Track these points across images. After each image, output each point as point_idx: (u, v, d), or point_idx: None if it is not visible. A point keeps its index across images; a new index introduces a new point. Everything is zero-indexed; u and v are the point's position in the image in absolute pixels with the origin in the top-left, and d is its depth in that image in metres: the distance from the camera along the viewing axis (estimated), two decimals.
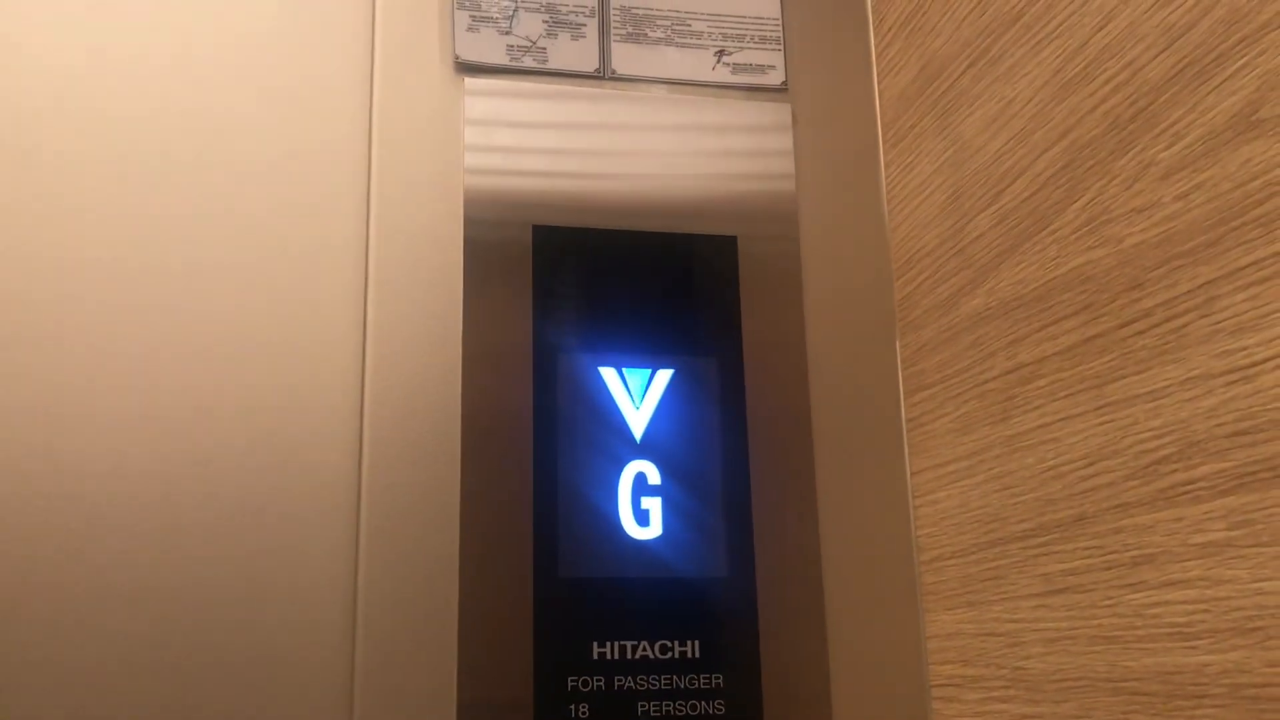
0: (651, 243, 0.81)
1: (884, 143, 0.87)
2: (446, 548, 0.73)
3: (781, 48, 0.87)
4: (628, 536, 0.76)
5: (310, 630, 0.71)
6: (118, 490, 0.71)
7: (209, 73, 0.78)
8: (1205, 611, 0.54)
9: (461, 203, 0.79)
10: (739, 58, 0.86)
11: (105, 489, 0.70)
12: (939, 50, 0.80)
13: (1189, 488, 0.55)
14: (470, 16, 0.82)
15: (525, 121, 0.81)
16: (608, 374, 0.78)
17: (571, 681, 0.73)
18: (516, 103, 0.82)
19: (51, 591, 0.69)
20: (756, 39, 0.87)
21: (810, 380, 0.81)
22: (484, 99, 0.81)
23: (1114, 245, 0.61)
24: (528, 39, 0.83)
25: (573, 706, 0.72)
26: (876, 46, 0.89)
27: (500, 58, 0.82)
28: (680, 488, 0.77)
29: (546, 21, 0.83)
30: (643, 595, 0.75)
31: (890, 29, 0.87)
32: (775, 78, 0.86)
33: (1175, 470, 0.56)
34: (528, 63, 0.82)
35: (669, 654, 0.74)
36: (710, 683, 0.74)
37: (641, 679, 0.74)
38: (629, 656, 0.74)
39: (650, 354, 0.79)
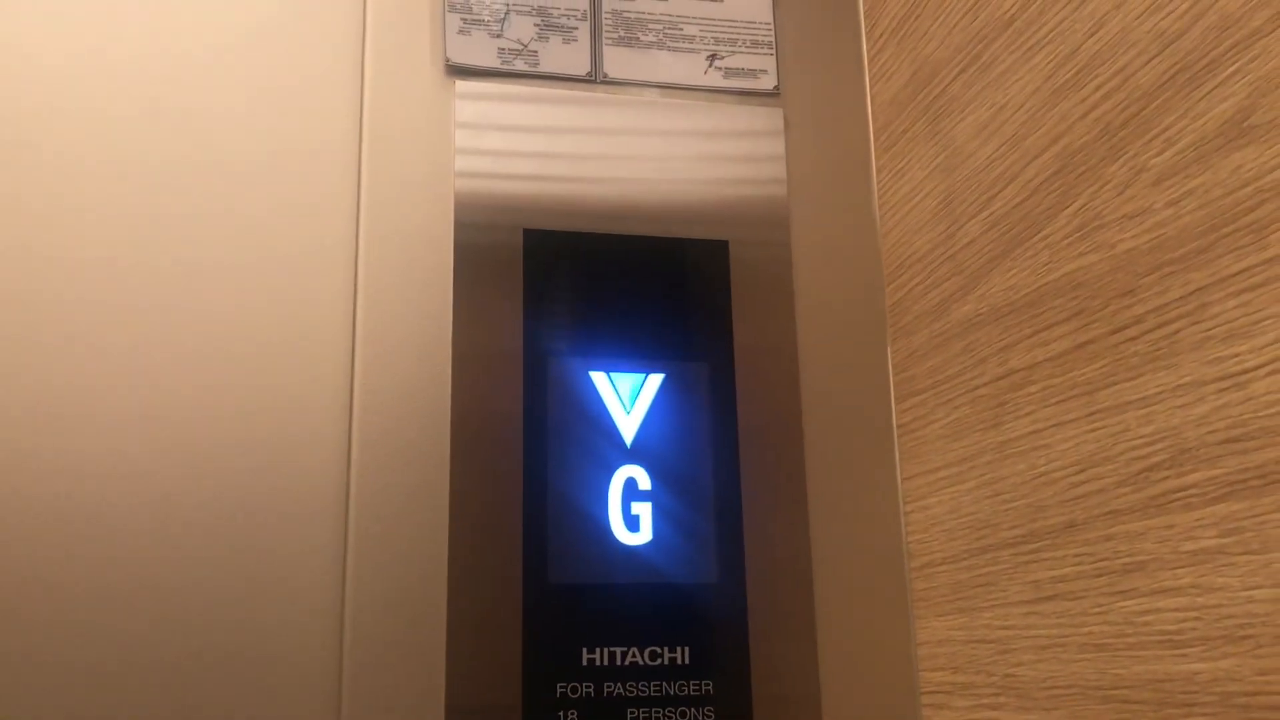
0: (643, 247, 0.81)
1: (876, 148, 0.87)
2: (435, 552, 0.73)
3: (774, 52, 0.87)
4: (618, 542, 0.75)
5: (298, 634, 0.71)
6: (105, 491, 0.70)
7: (198, 73, 0.78)
8: (1196, 619, 0.54)
9: (452, 205, 0.79)
10: (731, 62, 0.86)
11: (93, 490, 0.70)
12: (931, 55, 0.80)
13: (1180, 495, 0.55)
14: (461, 19, 0.82)
15: (516, 125, 0.81)
16: (598, 378, 0.78)
17: (561, 688, 0.72)
18: (507, 106, 0.81)
19: (38, 591, 0.68)
20: (749, 43, 0.87)
21: (801, 385, 0.81)
22: (475, 102, 0.81)
23: (1106, 251, 0.61)
24: (519, 42, 0.82)
25: (562, 713, 0.72)
26: (869, 51, 0.89)
27: (491, 61, 0.82)
28: (671, 493, 0.77)
29: (538, 25, 0.83)
30: (632, 601, 0.75)
31: (882, 34, 0.87)
32: (767, 82, 0.86)
33: (1166, 477, 0.56)
34: (519, 66, 0.82)
35: (659, 660, 0.74)
36: (700, 689, 0.74)
37: (631, 685, 0.73)
38: (618, 662, 0.74)
39: (641, 358, 0.79)
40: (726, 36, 0.86)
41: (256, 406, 0.73)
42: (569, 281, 0.79)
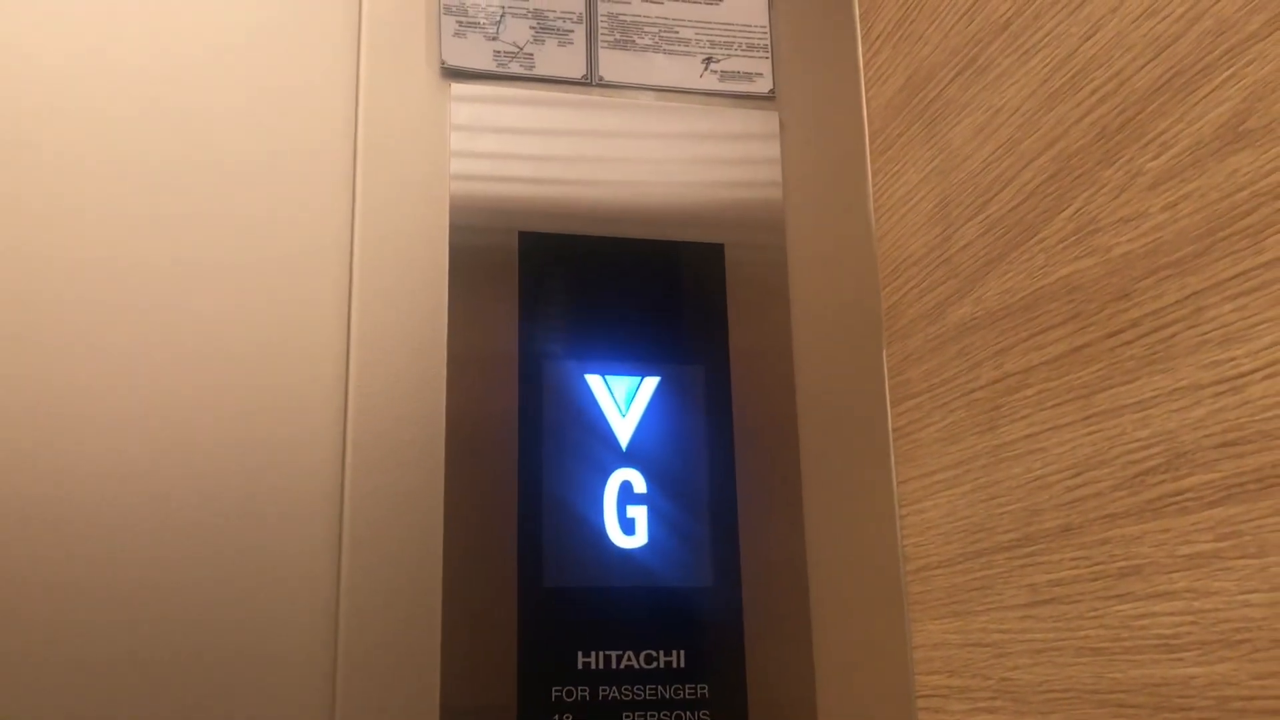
0: (638, 250, 0.81)
1: (871, 151, 0.87)
2: (430, 555, 0.73)
3: (769, 55, 0.87)
4: (613, 545, 0.75)
5: (292, 635, 0.71)
6: (98, 491, 0.70)
7: (194, 74, 0.77)
8: (1192, 623, 0.54)
9: (447, 208, 0.79)
10: (727, 65, 0.86)
11: (86, 490, 0.70)
12: (927, 59, 0.80)
13: (1176, 499, 0.55)
14: (457, 22, 0.82)
15: (512, 127, 0.81)
16: (594, 381, 0.78)
17: (556, 691, 0.72)
18: (503, 108, 0.81)
19: (29, 590, 0.68)
20: (744, 47, 0.86)
21: (797, 388, 0.81)
22: (470, 104, 0.81)
23: (1102, 255, 0.61)
24: (515, 45, 0.82)
25: (557, 716, 0.72)
26: (864, 55, 0.89)
27: (487, 63, 0.82)
28: (666, 496, 0.77)
29: (534, 27, 0.83)
30: (628, 604, 0.74)
31: (878, 37, 0.87)
32: (763, 85, 0.86)
33: (1163, 481, 0.56)
34: (514, 68, 0.82)
35: (654, 664, 0.74)
36: (695, 693, 0.74)
37: (626, 689, 0.73)
38: (614, 666, 0.73)
39: (636, 361, 0.78)
40: (722, 40, 0.86)
41: (250, 408, 0.73)
42: (564, 284, 0.79)
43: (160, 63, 0.77)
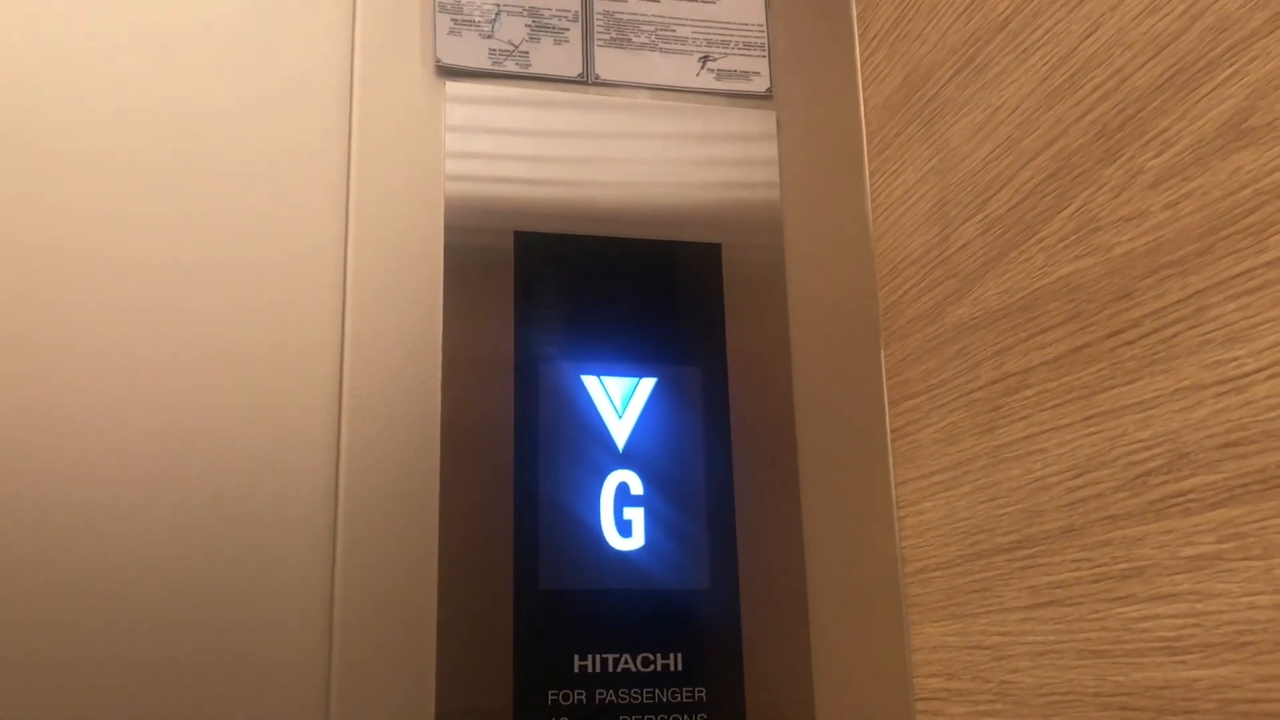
0: (635, 250, 0.80)
1: (869, 150, 0.87)
2: (425, 558, 0.72)
3: (766, 54, 0.86)
4: (610, 547, 0.75)
5: (286, 638, 0.70)
6: (91, 492, 0.69)
7: (186, 72, 0.77)
8: (1195, 626, 0.53)
9: (442, 207, 0.78)
10: (724, 64, 0.85)
11: (79, 491, 0.69)
12: (924, 57, 0.79)
13: (1179, 500, 0.55)
14: (452, 20, 0.81)
15: (507, 126, 0.81)
16: (590, 383, 0.77)
17: (552, 695, 0.72)
18: (498, 107, 0.81)
19: (28, 592, 0.67)
20: (741, 45, 0.86)
21: (795, 389, 0.81)
22: (465, 103, 0.80)
23: (1102, 254, 0.61)
24: (510, 43, 0.82)
25: None
26: (861, 53, 0.89)
27: (482, 61, 0.81)
28: (663, 498, 0.76)
29: (529, 25, 0.82)
30: (625, 607, 0.74)
31: (875, 36, 0.87)
32: (760, 84, 0.86)
33: (1165, 482, 0.56)
34: (510, 67, 0.81)
35: (651, 666, 0.73)
36: (693, 696, 0.73)
37: (623, 692, 0.73)
38: (611, 669, 0.73)
39: (633, 362, 0.78)
40: (719, 38, 0.86)
41: (243, 408, 0.73)
42: (560, 284, 0.78)
43: (151, 61, 0.77)
